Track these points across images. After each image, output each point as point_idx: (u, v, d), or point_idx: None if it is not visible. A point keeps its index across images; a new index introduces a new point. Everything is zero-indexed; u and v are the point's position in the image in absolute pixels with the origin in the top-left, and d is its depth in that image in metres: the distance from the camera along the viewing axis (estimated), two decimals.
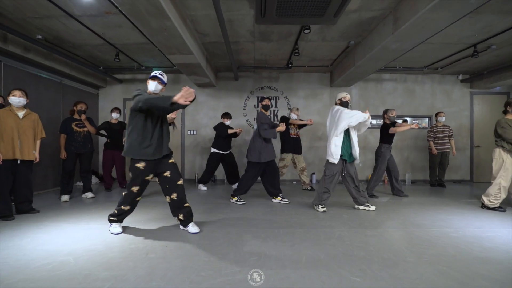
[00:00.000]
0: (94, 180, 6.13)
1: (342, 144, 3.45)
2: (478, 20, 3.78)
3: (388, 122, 4.56)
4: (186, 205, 2.69)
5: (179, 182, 2.64)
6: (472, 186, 5.94)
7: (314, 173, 6.26)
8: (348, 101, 3.60)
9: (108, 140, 5.10)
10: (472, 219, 3.20)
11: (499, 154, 3.63)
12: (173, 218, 2.83)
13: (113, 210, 2.70)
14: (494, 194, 3.61)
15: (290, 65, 5.27)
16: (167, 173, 2.61)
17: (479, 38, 4.38)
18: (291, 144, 5.01)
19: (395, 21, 3.50)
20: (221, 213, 3.41)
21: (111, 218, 2.67)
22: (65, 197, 4.12)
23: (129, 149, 2.49)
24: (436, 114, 5.67)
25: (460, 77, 6.46)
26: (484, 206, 3.71)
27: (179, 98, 2.10)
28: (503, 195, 3.59)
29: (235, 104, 6.44)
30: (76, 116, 4.33)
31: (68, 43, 4.65)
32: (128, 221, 2.94)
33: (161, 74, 2.69)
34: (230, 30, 4.13)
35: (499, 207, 3.63)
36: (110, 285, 1.68)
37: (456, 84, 6.51)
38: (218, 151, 5.14)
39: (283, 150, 5.05)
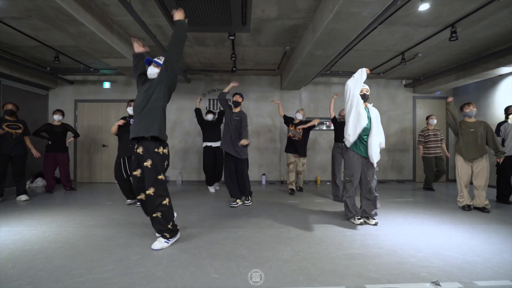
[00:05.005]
0: (42, 182, 6.06)
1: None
2: (394, 31, 4.03)
3: None
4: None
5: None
6: (414, 185, 6.28)
7: (264, 174, 6.42)
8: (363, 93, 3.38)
9: (50, 142, 5.07)
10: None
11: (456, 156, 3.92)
12: (96, 220, 2.82)
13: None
14: (458, 194, 3.90)
15: (234, 69, 5.39)
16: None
17: (404, 47, 4.66)
18: (290, 145, 4.97)
19: (313, 29, 3.68)
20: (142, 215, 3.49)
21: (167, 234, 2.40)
22: None
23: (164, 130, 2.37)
24: (428, 117, 5.44)
25: (404, 82, 6.81)
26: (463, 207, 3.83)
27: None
28: (465, 194, 3.79)
29: (187, 106, 6.51)
30: (7, 117, 4.29)
31: (1, 44, 4.59)
32: (49, 220, 2.98)
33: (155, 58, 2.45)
34: (162, 34, 4.22)
35: (466, 206, 3.77)
36: None
37: (400, 88, 6.86)
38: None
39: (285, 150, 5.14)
